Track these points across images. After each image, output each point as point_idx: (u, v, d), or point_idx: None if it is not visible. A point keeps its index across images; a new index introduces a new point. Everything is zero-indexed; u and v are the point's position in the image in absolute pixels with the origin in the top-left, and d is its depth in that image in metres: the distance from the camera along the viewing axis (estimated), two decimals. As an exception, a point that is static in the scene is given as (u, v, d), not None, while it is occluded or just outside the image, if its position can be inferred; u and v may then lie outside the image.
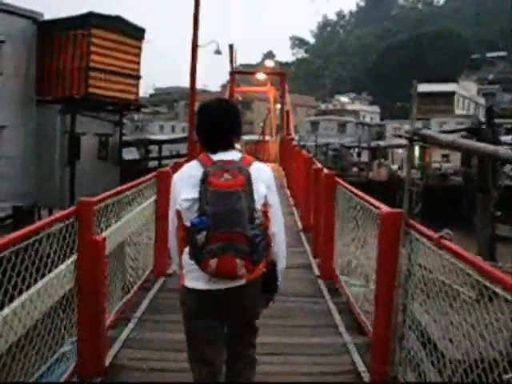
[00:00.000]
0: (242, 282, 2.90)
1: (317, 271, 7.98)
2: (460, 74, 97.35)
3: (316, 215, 9.14)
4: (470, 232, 36.04)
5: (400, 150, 49.01)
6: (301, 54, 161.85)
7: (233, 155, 3.00)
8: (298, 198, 13.66)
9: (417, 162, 48.00)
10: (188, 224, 2.86)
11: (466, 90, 77.91)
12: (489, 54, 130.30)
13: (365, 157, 47.84)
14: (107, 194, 4.92)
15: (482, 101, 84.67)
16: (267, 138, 36.38)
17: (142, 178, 6.58)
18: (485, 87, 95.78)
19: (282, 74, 26.74)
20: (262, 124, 39.72)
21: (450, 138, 3.57)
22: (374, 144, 46.31)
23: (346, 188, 6.69)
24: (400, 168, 41.47)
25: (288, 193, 16.88)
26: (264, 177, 3.03)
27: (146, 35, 22.81)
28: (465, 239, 35.65)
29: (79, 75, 19.68)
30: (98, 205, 4.54)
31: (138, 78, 22.58)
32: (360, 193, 5.93)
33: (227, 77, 28.96)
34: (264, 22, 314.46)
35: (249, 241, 2.79)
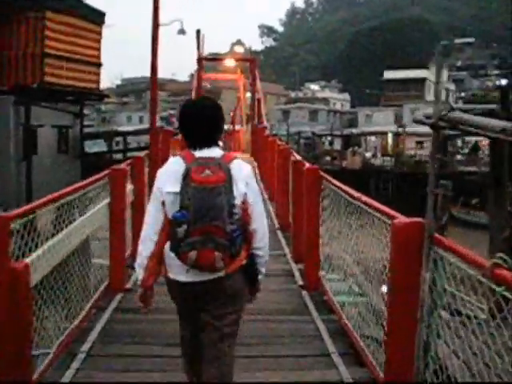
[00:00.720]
0: (221, 273, 2.98)
1: (300, 280, 6.94)
2: (429, 60, 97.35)
3: (296, 212, 8.10)
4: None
5: (373, 138, 48.33)
6: (270, 42, 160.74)
7: (215, 152, 3.07)
8: (274, 193, 12.63)
9: (389, 149, 47.55)
10: (170, 217, 2.96)
11: (436, 76, 77.62)
12: (457, 41, 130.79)
13: (337, 145, 47.04)
14: (35, 204, 3.76)
15: (452, 87, 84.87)
16: (237, 127, 35.40)
17: (90, 179, 5.43)
18: (455, 73, 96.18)
19: (251, 60, 25.46)
20: (231, 113, 38.73)
21: (500, 123, 2.52)
22: (347, 132, 45.42)
23: (337, 186, 5.61)
24: (374, 156, 40.69)
25: (261, 186, 15.84)
26: (243, 175, 3.06)
27: (111, 21, 21.45)
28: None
29: (33, 63, 17.94)
30: (17, 221, 3.37)
31: (99, 65, 20.86)
32: (356, 193, 4.87)
33: (196, 65, 27.63)
34: (232, 10, 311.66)
35: (227, 235, 2.87)
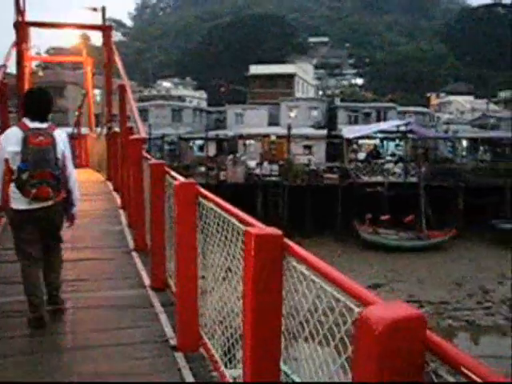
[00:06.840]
0: (51, 202, 4.84)
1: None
2: (286, 57, 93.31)
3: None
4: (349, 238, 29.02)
5: (252, 141, 40.42)
6: (119, 37, 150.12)
7: (44, 125, 4.90)
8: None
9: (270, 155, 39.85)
10: (15, 167, 4.71)
11: (304, 72, 72.01)
12: (311, 39, 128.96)
13: (210, 151, 38.70)
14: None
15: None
16: (84, 131, 25.99)
17: None
18: (319, 71, 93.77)
19: (105, 29, 16.40)
20: (76, 112, 29.39)
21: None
22: (222, 135, 36.96)
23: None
24: (259, 165, 32.29)
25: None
26: (62, 139, 4.98)
27: None
28: (349, 251, 27.45)
29: None
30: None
31: None
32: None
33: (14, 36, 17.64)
34: (78, 3, 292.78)
35: (54, 177, 4.79)
